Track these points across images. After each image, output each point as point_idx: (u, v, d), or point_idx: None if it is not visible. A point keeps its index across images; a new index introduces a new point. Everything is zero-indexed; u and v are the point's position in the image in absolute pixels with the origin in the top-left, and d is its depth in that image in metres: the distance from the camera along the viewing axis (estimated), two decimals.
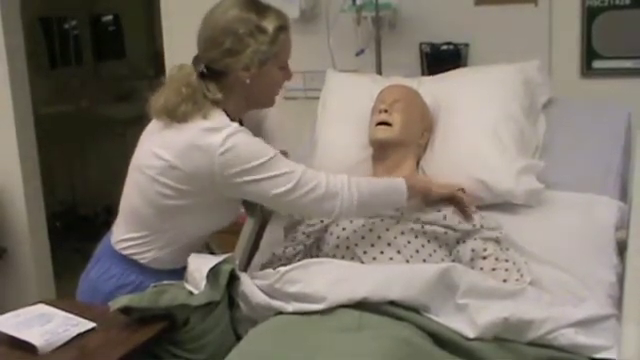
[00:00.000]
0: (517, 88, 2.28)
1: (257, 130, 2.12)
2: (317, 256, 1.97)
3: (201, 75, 1.84)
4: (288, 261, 1.99)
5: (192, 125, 1.79)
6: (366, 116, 2.27)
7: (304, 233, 2.02)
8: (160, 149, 1.82)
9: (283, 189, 1.77)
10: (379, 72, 2.85)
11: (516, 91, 2.27)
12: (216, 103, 1.83)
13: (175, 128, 1.81)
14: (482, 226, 1.96)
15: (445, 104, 2.29)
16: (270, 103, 1.98)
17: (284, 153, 1.91)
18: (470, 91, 2.29)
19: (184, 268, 1.82)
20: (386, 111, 2.16)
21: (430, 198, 2.00)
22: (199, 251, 1.93)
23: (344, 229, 1.99)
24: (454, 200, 2.03)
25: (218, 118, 1.81)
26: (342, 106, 2.45)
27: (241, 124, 1.98)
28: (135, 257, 1.91)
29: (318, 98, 2.56)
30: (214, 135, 1.75)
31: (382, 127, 2.16)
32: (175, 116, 1.80)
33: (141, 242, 1.91)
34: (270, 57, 1.84)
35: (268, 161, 1.77)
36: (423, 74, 2.78)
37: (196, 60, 1.87)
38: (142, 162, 1.88)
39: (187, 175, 1.79)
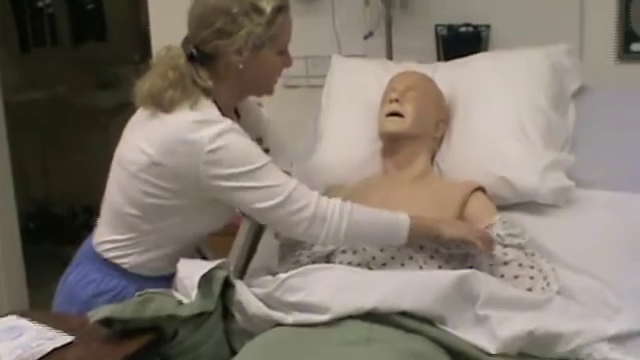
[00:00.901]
0: (544, 75, 2.28)
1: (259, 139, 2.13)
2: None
3: (190, 58, 1.84)
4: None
5: (179, 116, 1.79)
6: (375, 106, 2.27)
7: (309, 257, 2.02)
8: (143, 142, 1.82)
9: (269, 203, 1.76)
10: (390, 57, 2.84)
11: (543, 78, 2.27)
12: (206, 92, 1.83)
13: (160, 119, 1.81)
14: (499, 235, 1.96)
15: (463, 93, 2.29)
16: (267, 91, 1.98)
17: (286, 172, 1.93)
18: (491, 78, 2.29)
19: (172, 274, 1.83)
20: (397, 101, 2.16)
21: (439, 241, 1.93)
22: (189, 256, 1.93)
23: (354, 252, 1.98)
24: (468, 244, 1.93)
25: (208, 110, 1.81)
26: (348, 95, 2.45)
27: (237, 115, 1.99)
28: (117, 261, 1.92)
29: (322, 86, 2.56)
30: (204, 129, 1.75)
31: (393, 118, 2.16)
32: (161, 103, 1.80)
33: (123, 245, 1.91)
34: (266, 40, 1.84)
35: (258, 169, 1.76)
36: (439, 59, 2.76)
37: (185, 41, 1.87)
38: (124, 156, 1.88)
39: (171, 172, 1.79)
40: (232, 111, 1.95)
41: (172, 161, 1.78)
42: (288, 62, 1.94)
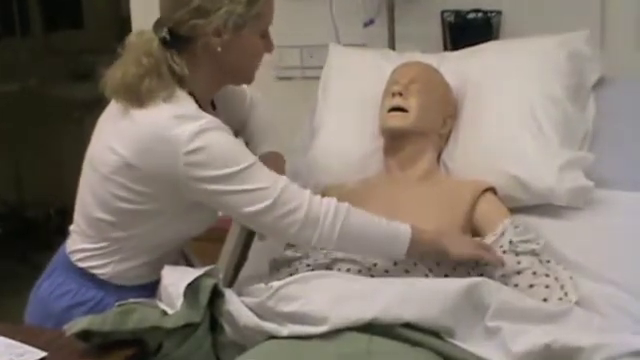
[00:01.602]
0: (561, 64, 2.28)
1: (240, 128, 2.13)
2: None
3: (164, 42, 1.82)
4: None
5: (153, 112, 1.77)
6: (376, 100, 2.27)
7: (308, 266, 2.02)
8: (114, 141, 1.81)
9: (256, 207, 1.76)
10: (392, 47, 2.84)
11: (559, 68, 2.27)
12: (181, 82, 1.82)
13: (132, 116, 1.80)
14: (511, 242, 1.96)
15: (472, 85, 2.29)
16: (248, 79, 1.96)
17: (278, 158, 1.91)
18: (503, 69, 2.30)
19: (155, 283, 1.82)
20: (400, 94, 2.17)
21: (444, 259, 1.92)
22: (174, 262, 1.93)
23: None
24: (478, 261, 1.95)
25: (184, 103, 1.79)
26: (347, 88, 2.45)
27: (214, 107, 1.97)
28: (93, 271, 1.91)
29: (318, 78, 2.56)
30: (181, 126, 1.73)
31: (396, 114, 2.16)
32: (137, 94, 1.79)
33: (99, 254, 1.91)
34: (248, 21, 1.82)
35: (243, 171, 1.75)
36: (446, 49, 2.77)
37: (158, 24, 1.85)
38: (95, 156, 1.88)
39: (145, 175, 1.78)
40: (209, 103, 1.94)
41: (147, 163, 1.77)
42: (269, 47, 1.92)
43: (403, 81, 2.19)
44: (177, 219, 1.88)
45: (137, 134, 1.77)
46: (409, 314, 1.64)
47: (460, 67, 2.36)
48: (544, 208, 2.12)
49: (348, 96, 2.43)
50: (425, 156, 2.19)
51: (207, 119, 1.76)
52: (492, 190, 2.11)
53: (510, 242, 1.95)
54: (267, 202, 1.75)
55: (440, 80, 2.28)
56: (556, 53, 2.29)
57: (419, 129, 2.17)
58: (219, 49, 1.82)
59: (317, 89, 2.53)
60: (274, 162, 2.00)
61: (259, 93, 2.20)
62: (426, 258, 1.91)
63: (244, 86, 2.14)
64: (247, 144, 2.10)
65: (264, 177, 1.78)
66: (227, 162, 1.75)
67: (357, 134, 2.33)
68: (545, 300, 1.85)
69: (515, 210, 2.10)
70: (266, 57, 1.95)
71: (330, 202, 1.80)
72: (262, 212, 1.76)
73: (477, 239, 2.01)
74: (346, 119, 2.38)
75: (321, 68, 2.57)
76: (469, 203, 2.07)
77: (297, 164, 2.32)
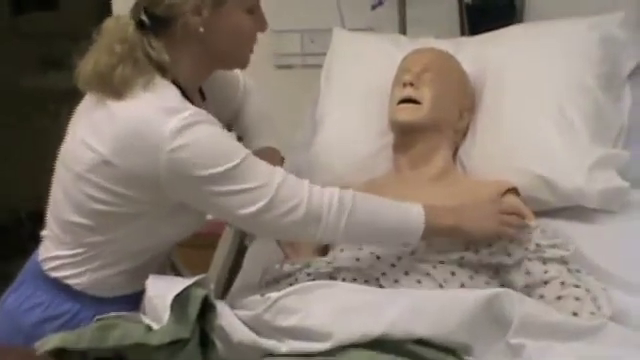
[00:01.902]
0: (592, 51, 2.28)
1: (232, 120, 2.14)
2: None
3: (140, 26, 1.82)
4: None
5: (132, 103, 1.77)
6: (385, 91, 2.27)
7: (309, 275, 2.02)
8: (90, 136, 1.81)
9: (252, 209, 1.76)
10: (403, 31, 2.85)
11: (590, 55, 2.27)
12: (162, 69, 1.81)
13: (108, 107, 1.79)
14: (538, 245, 1.96)
15: (492, 74, 2.30)
16: (240, 62, 1.96)
17: (274, 154, 1.90)
18: (527, 56, 2.30)
19: (137, 294, 1.82)
20: (412, 84, 2.17)
21: (462, 239, 1.95)
22: (159, 271, 1.93)
23: (358, 259, 1.99)
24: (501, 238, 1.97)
25: (166, 92, 1.79)
26: (353, 77, 2.46)
27: (202, 96, 1.97)
28: (68, 281, 1.91)
29: (321, 66, 2.56)
30: (165, 120, 1.73)
31: (406, 106, 2.17)
32: (110, 84, 1.78)
33: (73, 261, 1.91)
34: None
35: (235, 168, 1.75)
36: (463, 34, 2.78)
37: (135, 6, 1.85)
38: (69, 153, 1.88)
39: (123, 174, 1.78)
40: (196, 92, 1.94)
41: (126, 161, 1.76)
42: (262, 25, 1.92)
43: (415, 69, 2.19)
44: (160, 222, 1.88)
45: (115, 129, 1.77)
46: (422, 329, 1.64)
47: (479, 54, 2.36)
48: (573, 211, 2.12)
49: (354, 86, 2.43)
50: (439, 153, 2.19)
51: (191, 111, 1.76)
52: (515, 191, 2.12)
53: (537, 245, 1.94)
54: (263, 202, 1.75)
55: (456, 68, 2.28)
56: (587, 38, 2.30)
57: (433, 123, 2.17)
58: (201, 29, 1.81)
59: (319, 79, 2.53)
60: (270, 159, 1.99)
61: (253, 81, 2.20)
62: (441, 240, 1.93)
63: (237, 72, 2.15)
64: (240, 138, 2.10)
65: (258, 174, 1.77)
66: (216, 160, 1.74)
67: (363, 129, 2.34)
68: (575, 314, 1.83)
69: (541, 213, 2.10)
70: (262, 43, 1.94)
71: (333, 193, 1.80)
72: (259, 213, 1.76)
73: (505, 200, 2.02)
74: (351, 112, 2.39)
75: (324, 55, 2.58)
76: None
77: (297, 162, 2.33)
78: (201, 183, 1.74)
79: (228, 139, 1.81)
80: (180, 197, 1.79)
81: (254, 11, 1.88)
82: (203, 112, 1.79)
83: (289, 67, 2.97)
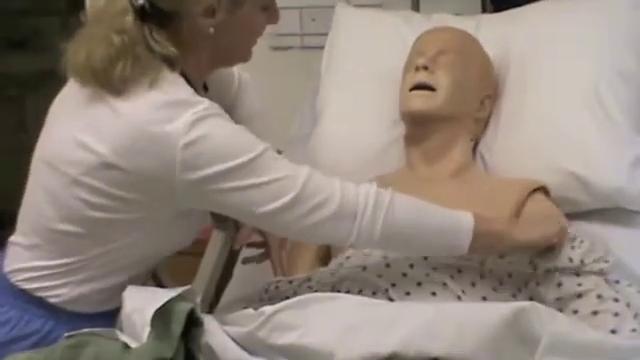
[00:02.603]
0: (634, 29, 2.27)
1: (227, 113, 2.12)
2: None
3: (141, 14, 1.80)
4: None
5: (138, 100, 1.76)
6: (396, 76, 2.27)
7: (310, 287, 2.01)
8: (87, 135, 1.78)
9: (276, 205, 1.75)
10: (416, 8, 2.87)
11: (633, 34, 2.26)
12: (169, 62, 1.80)
13: (110, 105, 1.78)
14: (583, 262, 1.94)
15: (518, 56, 2.29)
16: (244, 59, 1.98)
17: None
18: (558, 36, 2.29)
19: (117, 310, 1.81)
20: (426, 68, 2.16)
21: (510, 246, 1.94)
22: (141, 282, 1.92)
23: (364, 268, 1.98)
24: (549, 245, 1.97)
25: (176, 87, 1.78)
26: (359, 61, 2.46)
27: (206, 89, 1.97)
28: (42, 294, 1.90)
29: (322, 48, 2.56)
30: (176, 116, 1.72)
31: (420, 93, 2.16)
32: (108, 82, 1.77)
33: (53, 273, 1.89)
34: None
35: (256, 159, 1.75)
36: (484, 10, 2.79)
37: None
38: (56, 153, 1.85)
39: (131, 178, 1.76)
40: (201, 86, 1.94)
41: (134, 164, 1.75)
42: (274, 17, 1.93)
43: (430, 51, 2.19)
44: (158, 231, 1.87)
45: (120, 129, 1.75)
46: (437, 348, 1.61)
47: (503, 34, 2.36)
48: (611, 213, 2.13)
49: (359, 71, 2.44)
50: (457, 147, 2.20)
51: (205, 104, 1.76)
52: (544, 190, 2.11)
53: (581, 262, 1.94)
54: (289, 196, 1.75)
55: (477, 51, 2.28)
56: (628, 14, 2.29)
57: (450, 113, 2.17)
58: (211, 30, 1.81)
59: (320, 62, 2.54)
60: None
61: (247, 73, 2.19)
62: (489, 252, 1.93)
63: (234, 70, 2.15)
64: None
65: (282, 166, 1.78)
66: (235, 152, 1.74)
67: (371, 119, 2.35)
68: (613, 332, 1.82)
69: (573, 216, 2.10)
70: None
71: (369, 190, 1.79)
72: (283, 209, 1.76)
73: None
74: (357, 100, 2.39)
75: (325, 35, 2.58)
76: (512, 206, 2.05)
77: (295, 157, 2.28)
78: (219, 179, 1.74)
79: (245, 132, 1.81)
80: (192, 200, 1.79)
81: (269, 6, 1.90)
82: (216, 105, 1.79)
83: (286, 49, 2.99)
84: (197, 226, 1.97)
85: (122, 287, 1.84)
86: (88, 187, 1.79)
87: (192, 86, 1.82)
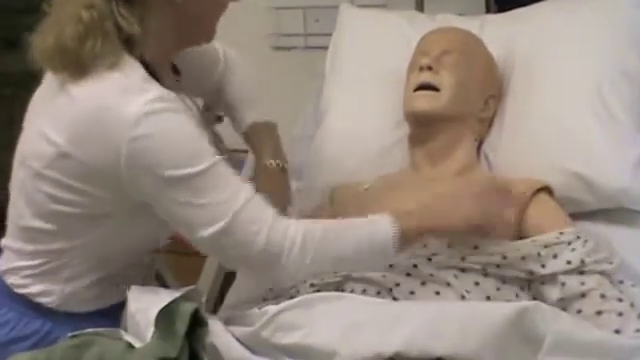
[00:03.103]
0: (636, 28, 2.27)
1: (214, 97, 2.12)
2: None
3: None
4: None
5: (95, 84, 1.75)
6: (400, 76, 2.27)
7: (313, 285, 2.01)
8: (48, 127, 1.79)
9: (206, 232, 1.74)
10: (420, 8, 2.87)
11: (633, 33, 2.26)
12: (129, 45, 1.79)
13: (68, 92, 1.77)
14: (583, 261, 1.94)
15: (522, 56, 2.30)
16: (208, 37, 1.96)
17: (271, 130, 1.88)
18: (561, 36, 2.29)
19: (117, 307, 1.82)
20: (430, 68, 2.16)
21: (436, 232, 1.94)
22: (141, 281, 1.91)
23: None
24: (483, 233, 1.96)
25: (131, 70, 1.77)
26: (363, 61, 2.46)
27: (176, 72, 1.97)
28: (37, 299, 1.90)
29: (326, 48, 2.57)
30: (126, 101, 1.71)
31: (424, 93, 2.16)
32: (76, 60, 1.75)
33: (38, 272, 1.89)
34: None
35: (199, 175, 1.73)
36: (488, 10, 2.79)
37: None
38: (26, 149, 1.87)
39: (82, 167, 1.76)
40: (168, 68, 1.93)
41: (84, 151, 1.75)
42: None
43: (434, 52, 2.19)
44: (125, 225, 1.87)
45: (73, 115, 1.75)
46: (441, 347, 1.61)
47: (507, 34, 2.37)
48: (615, 214, 2.13)
49: (363, 71, 2.44)
50: (461, 147, 2.20)
51: (157, 92, 1.73)
52: (547, 190, 2.10)
53: (582, 262, 1.93)
54: (219, 225, 1.74)
55: (481, 51, 2.28)
56: (631, 14, 2.29)
57: (454, 113, 2.16)
58: None
59: (324, 62, 2.54)
60: (268, 136, 2.02)
61: (233, 50, 2.17)
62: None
63: (215, 44, 2.12)
64: (219, 118, 2.11)
65: (222, 186, 1.75)
66: (180, 159, 1.72)
67: (375, 120, 2.35)
68: (617, 331, 1.83)
69: (577, 216, 2.10)
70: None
71: (298, 229, 1.78)
72: (212, 237, 1.75)
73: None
74: (361, 100, 2.39)
75: (329, 35, 2.58)
76: (518, 205, 2.05)
77: (299, 157, 2.32)
78: (161, 184, 1.73)
79: (198, 138, 1.77)
80: (142, 196, 1.77)
81: None
82: (172, 95, 1.77)
83: (290, 49, 2.97)
84: (164, 222, 1.91)
85: (107, 283, 1.88)
86: (50, 180, 1.79)
87: (155, 70, 1.80)
